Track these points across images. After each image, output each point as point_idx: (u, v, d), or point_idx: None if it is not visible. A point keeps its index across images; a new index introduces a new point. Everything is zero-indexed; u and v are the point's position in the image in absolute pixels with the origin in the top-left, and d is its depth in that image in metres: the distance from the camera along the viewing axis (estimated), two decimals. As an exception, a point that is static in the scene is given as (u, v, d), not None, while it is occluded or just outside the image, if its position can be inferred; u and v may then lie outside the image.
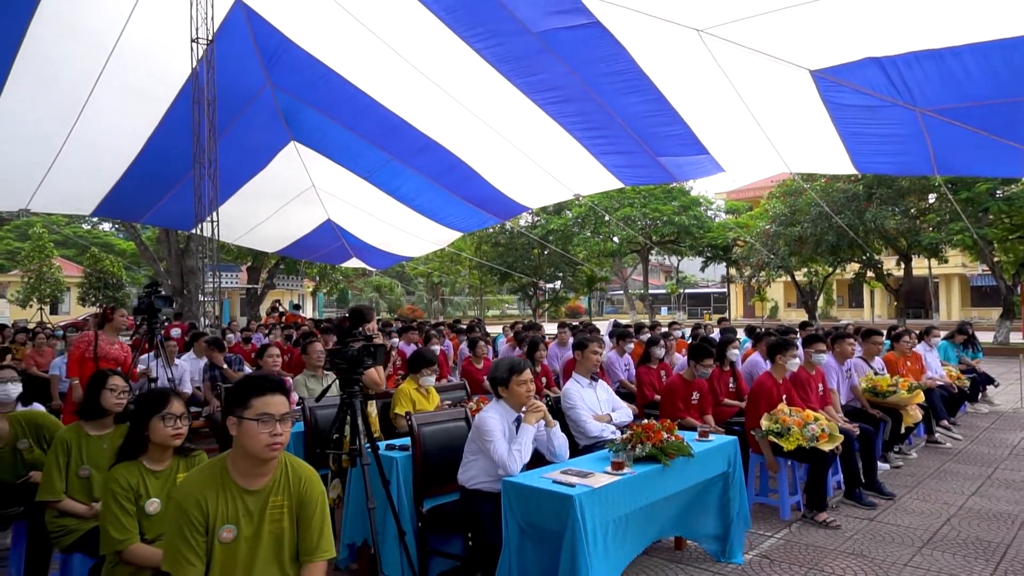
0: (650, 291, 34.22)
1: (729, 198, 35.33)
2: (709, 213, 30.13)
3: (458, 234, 14.64)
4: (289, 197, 12.14)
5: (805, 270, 23.62)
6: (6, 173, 9.95)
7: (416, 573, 3.50)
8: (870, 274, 22.62)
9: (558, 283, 33.07)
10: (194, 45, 8.45)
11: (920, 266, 25.47)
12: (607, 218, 25.40)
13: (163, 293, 5.40)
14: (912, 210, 19.75)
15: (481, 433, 3.26)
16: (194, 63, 8.40)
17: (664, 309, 46.47)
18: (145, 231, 25.87)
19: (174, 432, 2.60)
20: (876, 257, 21.76)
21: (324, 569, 2.19)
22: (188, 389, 6.53)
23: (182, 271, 23.11)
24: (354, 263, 16.67)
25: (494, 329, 14.37)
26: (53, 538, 3.08)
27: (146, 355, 5.94)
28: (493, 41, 7.07)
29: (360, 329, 3.48)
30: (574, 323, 11.98)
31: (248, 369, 7.53)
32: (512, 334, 9.82)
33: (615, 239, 29.18)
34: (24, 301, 35.61)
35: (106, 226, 47.10)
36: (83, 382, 5.54)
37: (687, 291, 49.62)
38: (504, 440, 3.24)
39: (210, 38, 8.34)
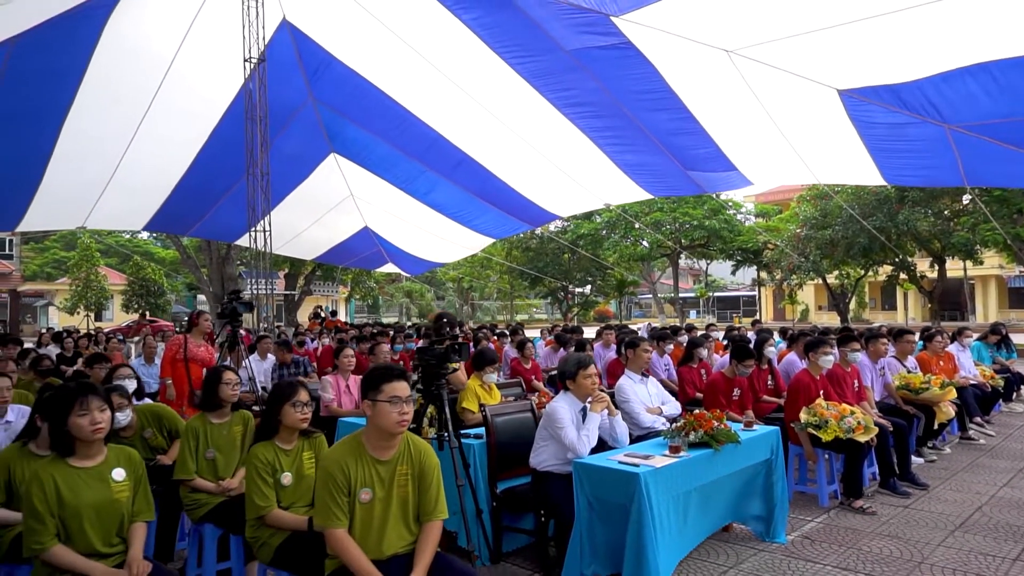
0: (680, 295, 34.35)
1: (759, 201, 35.34)
2: (739, 217, 30.21)
3: (490, 240, 15.02)
4: (328, 206, 12.53)
5: (836, 273, 23.64)
6: (67, 192, 10.38)
7: (492, 547, 3.94)
8: (903, 276, 22.59)
9: (588, 287, 33.38)
10: (246, 64, 8.99)
11: (955, 268, 25.32)
12: (637, 226, 25.65)
13: (245, 299, 5.92)
14: (946, 212, 19.75)
15: (552, 421, 3.69)
16: (247, 82, 8.89)
17: (693, 313, 46.47)
18: (185, 238, 26.81)
19: (302, 417, 3.08)
20: (909, 259, 21.74)
21: (440, 528, 2.64)
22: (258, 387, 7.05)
23: (223, 278, 23.74)
24: (389, 268, 17.15)
25: (528, 333, 14.77)
26: (188, 510, 3.58)
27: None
28: (527, 58, 7.34)
29: (447, 329, 3.93)
30: (614, 324, 12.32)
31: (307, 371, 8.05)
32: (552, 337, 10.24)
33: (645, 243, 29.45)
34: (72, 308, 36.97)
35: (145, 234, 48.50)
36: (175, 382, 6.11)
37: (716, 294, 49.53)
38: (573, 427, 3.67)
39: (262, 58, 8.85)
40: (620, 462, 3.50)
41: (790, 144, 7.03)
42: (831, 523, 4.69)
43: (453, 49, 7.60)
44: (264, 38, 8.73)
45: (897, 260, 21.42)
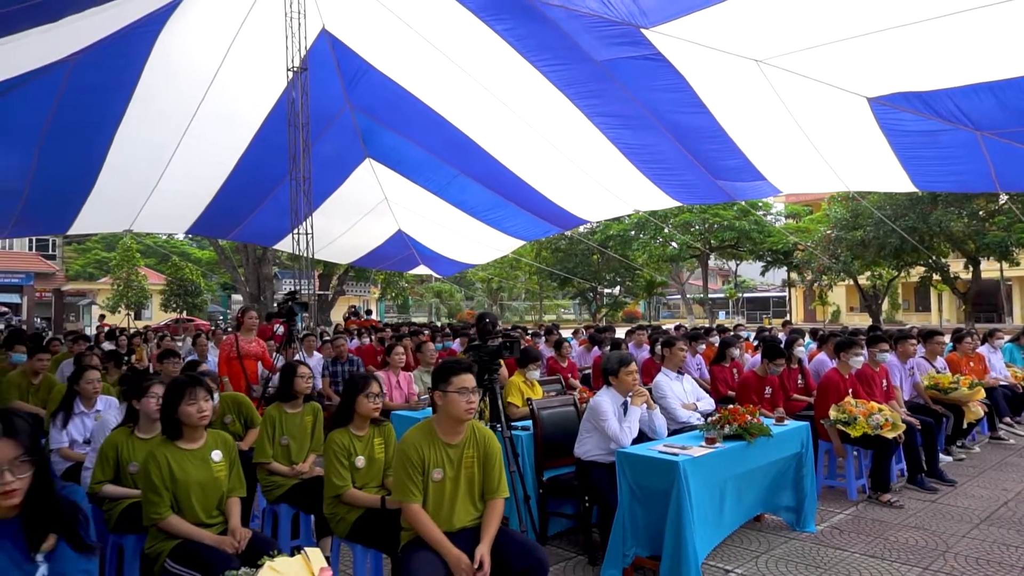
0: (709, 295, 34.31)
1: (788, 202, 35.14)
2: (769, 218, 30.12)
3: (521, 242, 15.27)
4: (364, 211, 12.83)
5: (868, 274, 23.49)
6: (116, 198, 10.80)
7: (538, 531, 4.25)
8: (936, 277, 22.38)
9: (617, 288, 33.54)
10: (289, 73, 9.36)
11: (990, 269, 24.98)
12: (667, 229, 25.74)
13: (301, 300, 6.32)
14: (980, 212, 19.55)
15: (597, 414, 3.99)
16: (290, 91, 9.24)
17: (722, 313, 46.25)
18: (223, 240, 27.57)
19: (374, 406, 3.42)
20: (942, 260, 21.54)
21: (502, 505, 2.96)
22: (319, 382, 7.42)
23: (259, 278, 24.23)
24: (421, 270, 17.43)
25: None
26: (265, 491, 3.96)
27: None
28: (558, 66, 7.50)
29: (490, 328, 4.26)
30: (645, 325, 12.53)
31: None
32: (586, 337, 10.52)
33: (674, 244, 29.52)
34: (114, 307, 38.17)
35: (181, 235, 49.67)
36: (232, 379, 6.53)
37: (745, 295, 49.25)
38: (616, 419, 3.97)
39: (305, 67, 9.21)
40: (661, 451, 3.79)
41: (819, 153, 7.16)
42: (859, 515, 4.91)
43: (486, 57, 7.80)
44: (304, 48, 9.12)
45: (930, 261, 21.24)
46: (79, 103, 7.94)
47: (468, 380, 2.88)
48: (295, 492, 3.88)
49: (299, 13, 8.52)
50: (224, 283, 46.92)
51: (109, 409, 4.44)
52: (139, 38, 7.45)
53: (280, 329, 6.46)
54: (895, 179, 6.98)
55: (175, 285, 39.86)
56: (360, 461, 3.37)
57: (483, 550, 2.75)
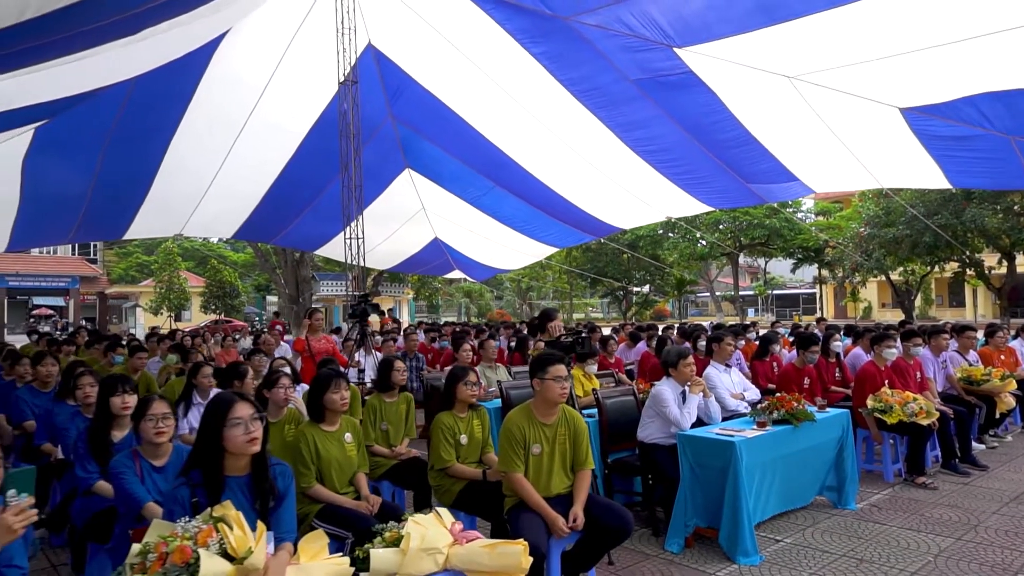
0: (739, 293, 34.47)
1: (818, 198, 35.09)
2: (799, 215, 30.21)
3: (554, 249, 15.52)
4: (403, 219, 13.17)
5: (901, 270, 23.54)
6: (169, 203, 11.22)
7: (605, 506, 4.77)
8: (970, 273, 22.39)
9: (647, 287, 33.86)
10: (341, 87, 9.84)
11: (1026, 264, 24.85)
12: (699, 236, 25.97)
13: (373, 302, 6.92)
14: (1015, 207, 19.57)
15: (658, 401, 4.50)
16: (340, 102, 9.67)
17: (751, 311, 46.21)
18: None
19: (471, 393, 3.99)
20: (976, 256, 21.55)
21: (589, 475, 3.49)
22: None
23: (297, 280, 24.87)
24: (455, 274, 17.62)
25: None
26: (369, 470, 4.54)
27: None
28: (591, 86, 7.73)
29: (553, 324, 4.82)
30: (674, 324, 12.90)
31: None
32: (625, 334, 11.00)
33: (703, 242, 29.77)
34: (156, 309, 39.51)
35: (216, 238, 50.90)
36: (304, 377, 7.12)
37: (775, 292, 49.16)
38: (675, 405, 4.48)
39: (356, 79, 9.65)
40: (718, 434, 4.30)
41: (852, 154, 7.44)
42: (896, 495, 5.36)
43: (521, 74, 8.08)
44: (357, 62, 9.61)
45: (964, 257, 21.27)
46: (140, 112, 8.29)
47: (562, 370, 3.42)
48: (394, 471, 4.47)
49: (350, 29, 9.07)
50: (258, 285, 48.14)
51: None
52: (199, 51, 7.79)
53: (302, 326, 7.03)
54: (930, 176, 7.24)
55: (214, 287, 41.08)
56: (463, 439, 3.93)
57: (577, 510, 3.29)
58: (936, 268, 23.63)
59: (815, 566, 3.98)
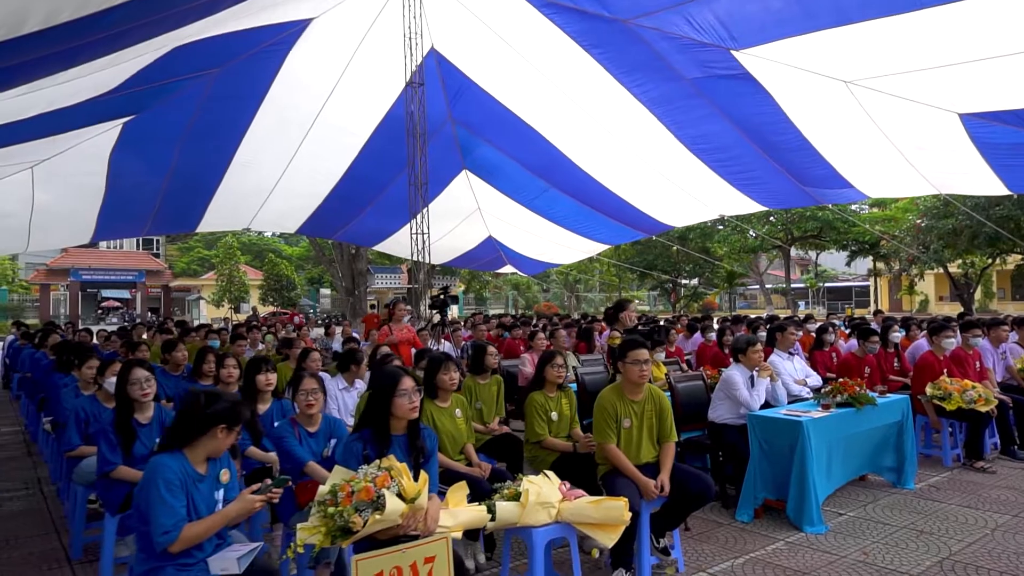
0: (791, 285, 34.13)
1: (873, 189, 34.39)
2: (853, 206, 29.75)
3: (606, 246, 15.59)
4: (459, 218, 13.58)
5: (959, 262, 23.09)
6: (239, 199, 11.76)
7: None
8: (1034, 265, 21.84)
9: (696, 280, 33.83)
10: (409, 88, 10.30)
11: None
12: (750, 231, 25.85)
13: (452, 293, 7.47)
14: (1083, 197, 19.04)
15: (729, 384, 4.92)
16: (407, 103, 10.10)
17: (802, 303, 45.57)
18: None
19: (558, 374, 4.47)
20: (1041, 247, 20.99)
21: (673, 446, 3.94)
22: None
23: (353, 273, 25.59)
24: (507, 269, 18.08)
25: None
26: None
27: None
28: (648, 85, 7.95)
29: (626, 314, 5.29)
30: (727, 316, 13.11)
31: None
32: (681, 326, 11.34)
33: (753, 233, 29.62)
34: (218, 301, 41.25)
35: (269, 232, 52.52)
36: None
37: (826, 285, 48.33)
38: (745, 388, 4.88)
39: (422, 82, 10.07)
40: (785, 415, 4.69)
41: (908, 161, 7.54)
42: (954, 478, 5.65)
43: (578, 74, 8.31)
44: (423, 66, 10.00)
45: (1027, 248, 20.76)
46: (217, 108, 8.77)
47: (642, 354, 3.87)
48: (489, 445, 4.98)
49: (417, 34, 9.50)
50: (311, 278, 49.68)
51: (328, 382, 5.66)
52: (273, 53, 8.30)
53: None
54: (987, 183, 7.38)
55: (272, 280, 42.60)
56: (554, 416, 4.43)
57: (664, 477, 3.75)
58: (998, 260, 23.10)
59: (877, 536, 4.35)
